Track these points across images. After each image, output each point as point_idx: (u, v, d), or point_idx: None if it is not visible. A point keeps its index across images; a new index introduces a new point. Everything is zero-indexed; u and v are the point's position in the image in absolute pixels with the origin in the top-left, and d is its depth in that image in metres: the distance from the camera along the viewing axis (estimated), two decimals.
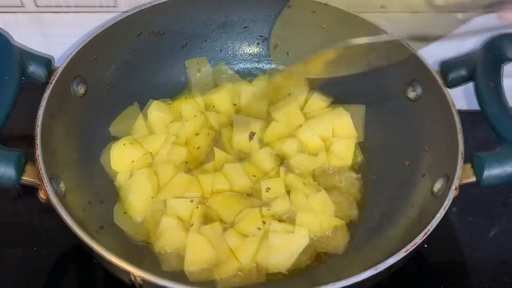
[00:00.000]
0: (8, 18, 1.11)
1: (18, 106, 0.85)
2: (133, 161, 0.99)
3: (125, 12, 1.03)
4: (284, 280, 0.90)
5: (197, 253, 0.89)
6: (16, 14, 1.11)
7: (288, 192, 0.99)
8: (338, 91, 1.12)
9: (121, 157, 0.99)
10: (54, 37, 1.15)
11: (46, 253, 0.96)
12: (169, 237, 0.89)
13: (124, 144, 1.00)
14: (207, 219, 0.95)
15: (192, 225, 0.93)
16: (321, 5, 1.06)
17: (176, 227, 0.92)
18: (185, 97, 1.11)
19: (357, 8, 1.05)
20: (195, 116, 1.07)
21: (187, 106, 1.08)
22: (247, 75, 1.17)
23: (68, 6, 1.10)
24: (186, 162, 1.01)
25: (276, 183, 0.99)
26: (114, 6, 1.09)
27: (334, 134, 1.06)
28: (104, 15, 1.08)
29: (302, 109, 1.10)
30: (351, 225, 0.97)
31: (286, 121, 1.08)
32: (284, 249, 0.90)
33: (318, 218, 0.94)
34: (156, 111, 1.06)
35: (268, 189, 0.98)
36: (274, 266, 0.90)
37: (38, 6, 1.09)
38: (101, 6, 1.09)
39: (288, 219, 0.94)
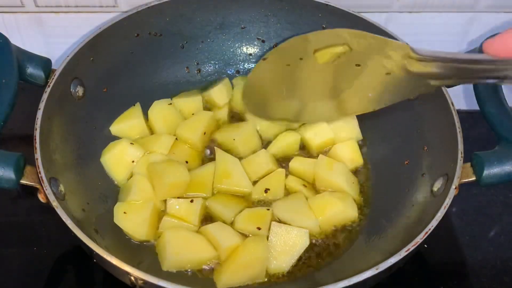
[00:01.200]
0: (8, 18, 1.11)
1: (18, 106, 0.85)
2: (133, 161, 0.99)
3: (125, 12, 1.03)
4: (285, 281, 0.90)
5: (197, 253, 0.89)
6: (16, 14, 1.11)
7: (289, 193, 0.99)
8: None
9: (121, 157, 0.99)
10: (54, 37, 1.15)
11: (46, 253, 0.96)
12: (169, 237, 0.89)
13: (124, 144, 1.00)
14: (207, 219, 0.96)
15: (192, 225, 0.93)
16: (322, 5, 1.06)
17: (176, 226, 0.92)
18: (185, 96, 1.11)
19: (358, 8, 1.06)
20: (192, 114, 1.08)
21: (187, 105, 1.09)
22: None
23: (68, 6, 1.09)
24: (187, 162, 1.01)
25: (275, 184, 0.99)
26: (114, 6, 1.09)
27: (336, 136, 1.06)
28: (104, 15, 1.08)
29: None
30: (351, 226, 0.97)
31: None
32: (285, 251, 0.90)
33: (318, 220, 0.94)
34: (157, 110, 1.06)
35: (267, 189, 0.98)
36: (275, 267, 0.90)
37: (38, 6, 1.09)
38: (101, 6, 1.09)
39: (289, 221, 0.94)
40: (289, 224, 0.93)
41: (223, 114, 1.10)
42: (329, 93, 0.89)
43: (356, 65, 0.82)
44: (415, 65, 0.74)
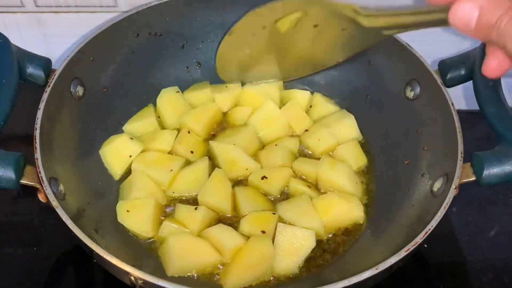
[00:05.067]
0: (8, 18, 1.11)
1: (19, 106, 0.85)
2: (130, 156, 1.00)
3: (125, 12, 1.03)
4: (291, 281, 0.90)
5: (202, 257, 0.89)
6: (16, 14, 1.11)
7: (293, 195, 0.99)
8: (338, 91, 1.12)
9: (119, 151, 1.00)
10: (54, 37, 1.15)
11: (46, 253, 0.96)
12: (172, 243, 0.88)
13: (123, 138, 1.01)
14: (211, 222, 0.95)
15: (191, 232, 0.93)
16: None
17: (178, 232, 0.92)
18: (195, 89, 1.11)
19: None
20: (204, 105, 1.09)
21: (197, 97, 1.09)
22: None
23: (68, 6, 1.09)
24: (192, 152, 1.02)
25: (275, 177, 0.99)
26: (114, 6, 1.09)
27: (339, 138, 1.06)
28: (104, 15, 1.08)
29: (306, 111, 1.11)
30: (355, 226, 0.97)
31: (292, 123, 1.08)
32: (292, 252, 0.90)
33: (322, 221, 0.94)
34: (166, 98, 1.07)
35: (264, 177, 0.99)
36: (282, 268, 0.90)
37: (38, 6, 1.09)
38: (101, 6, 1.09)
39: (294, 222, 0.94)
40: (294, 225, 0.93)
41: (227, 104, 1.10)
42: (295, 52, 1.01)
43: (314, 26, 0.92)
44: (365, 20, 0.81)
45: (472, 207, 1.07)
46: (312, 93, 1.13)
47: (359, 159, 1.04)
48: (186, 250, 0.88)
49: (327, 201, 0.96)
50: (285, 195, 1.00)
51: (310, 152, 1.06)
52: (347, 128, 1.07)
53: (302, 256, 0.91)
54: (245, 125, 1.08)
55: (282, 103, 1.11)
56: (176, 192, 0.98)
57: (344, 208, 0.95)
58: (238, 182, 1.01)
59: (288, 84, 1.14)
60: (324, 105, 1.11)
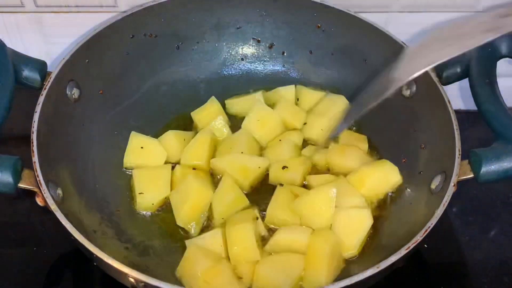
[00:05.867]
0: (8, 18, 1.11)
1: (18, 107, 0.85)
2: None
3: (125, 12, 1.03)
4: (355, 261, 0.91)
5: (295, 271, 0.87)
6: (16, 14, 1.11)
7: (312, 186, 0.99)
8: (334, 91, 1.12)
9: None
10: (54, 37, 1.15)
11: (46, 253, 0.97)
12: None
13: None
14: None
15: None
16: (317, 4, 1.06)
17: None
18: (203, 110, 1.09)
19: (358, 8, 1.05)
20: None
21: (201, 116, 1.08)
22: (243, 76, 1.16)
23: (68, 6, 1.09)
24: (194, 169, 1.01)
25: (295, 166, 0.99)
26: (114, 6, 1.09)
27: (339, 121, 1.04)
28: (104, 15, 1.08)
29: (296, 104, 1.11)
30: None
31: (290, 119, 1.08)
32: (350, 234, 0.90)
33: (363, 194, 0.95)
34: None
35: (285, 167, 0.99)
36: (346, 252, 0.90)
37: (38, 6, 1.09)
38: (101, 6, 1.09)
39: (338, 204, 0.92)
40: (338, 207, 0.92)
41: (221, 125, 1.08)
42: None
43: None
44: None
45: (472, 207, 1.07)
46: (295, 86, 1.13)
47: (360, 141, 1.05)
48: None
49: (361, 174, 0.96)
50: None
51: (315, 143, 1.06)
52: (342, 110, 1.06)
53: (361, 236, 0.91)
54: (239, 131, 1.06)
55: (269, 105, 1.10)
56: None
57: (380, 174, 0.96)
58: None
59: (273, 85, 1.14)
60: (310, 93, 1.11)
